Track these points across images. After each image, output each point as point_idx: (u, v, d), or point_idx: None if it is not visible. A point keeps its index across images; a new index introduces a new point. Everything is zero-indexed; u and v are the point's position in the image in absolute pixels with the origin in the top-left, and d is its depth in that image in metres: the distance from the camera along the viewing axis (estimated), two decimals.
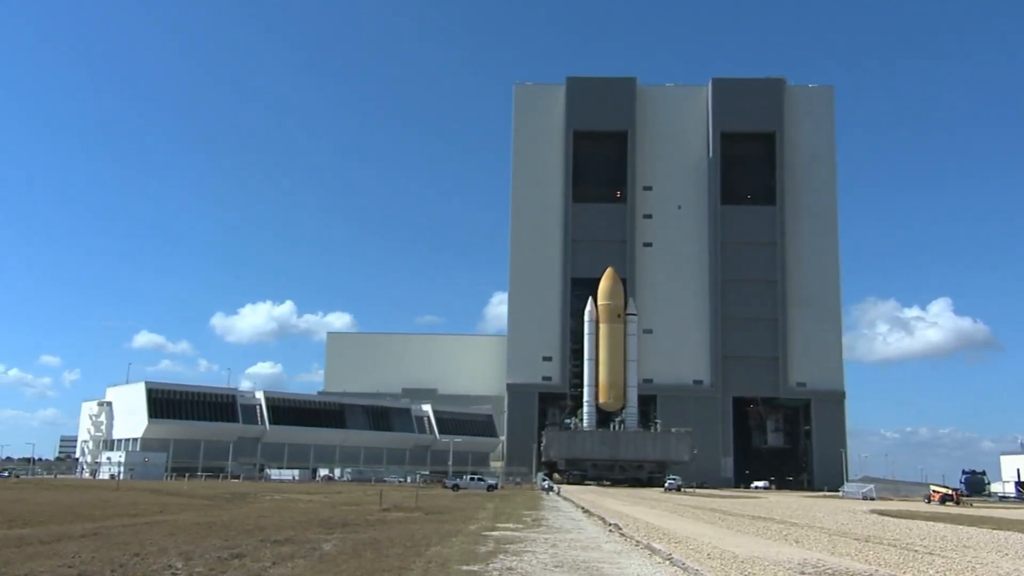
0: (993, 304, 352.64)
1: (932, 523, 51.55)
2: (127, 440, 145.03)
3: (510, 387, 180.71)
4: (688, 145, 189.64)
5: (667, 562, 24.59)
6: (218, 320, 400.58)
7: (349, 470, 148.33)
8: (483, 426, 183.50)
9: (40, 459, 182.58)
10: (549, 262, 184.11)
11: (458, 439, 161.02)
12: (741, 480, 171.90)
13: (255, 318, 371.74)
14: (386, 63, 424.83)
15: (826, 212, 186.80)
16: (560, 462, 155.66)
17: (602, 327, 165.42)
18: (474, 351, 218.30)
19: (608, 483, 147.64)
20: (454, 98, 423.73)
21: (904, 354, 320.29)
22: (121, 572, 20.45)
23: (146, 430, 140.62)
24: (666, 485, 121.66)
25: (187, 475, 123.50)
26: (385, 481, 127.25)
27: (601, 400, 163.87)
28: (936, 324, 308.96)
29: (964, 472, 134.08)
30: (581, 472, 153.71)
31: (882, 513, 65.44)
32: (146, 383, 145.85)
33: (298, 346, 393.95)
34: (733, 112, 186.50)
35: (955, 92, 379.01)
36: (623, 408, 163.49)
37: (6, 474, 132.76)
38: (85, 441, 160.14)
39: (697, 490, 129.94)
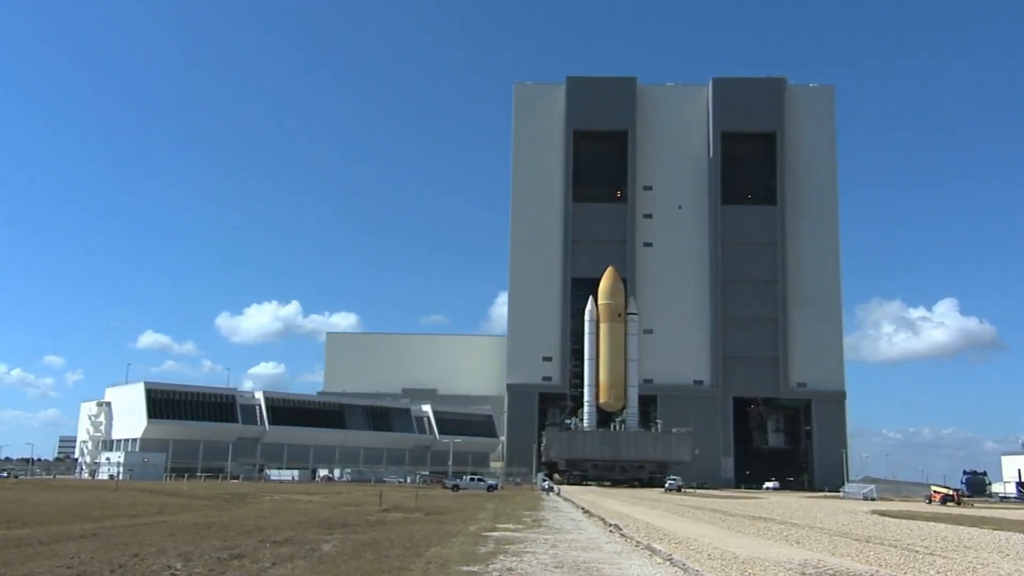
0: (999, 304, 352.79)
1: (933, 524, 51.46)
2: (126, 440, 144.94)
3: (510, 387, 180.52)
4: (688, 145, 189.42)
5: (667, 563, 24.52)
6: (223, 320, 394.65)
7: (349, 470, 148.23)
8: (483, 426, 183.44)
9: (39, 459, 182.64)
10: (549, 262, 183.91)
11: (458, 439, 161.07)
12: (741, 480, 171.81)
13: (260, 318, 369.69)
14: (386, 63, 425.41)
15: (827, 212, 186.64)
16: (560, 462, 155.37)
17: (602, 327, 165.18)
18: (474, 351, 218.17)
19: (608, 483, 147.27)
20: (454, 98, 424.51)
21: (909, 354, 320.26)
22: (120, 573, 20.37)
23: (145, 430, 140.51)
24: (666, 485, 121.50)
25: (186, 475, 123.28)
26: (385, 481, 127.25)
27: (601, 400, 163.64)
28: (942, 324, 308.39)
29: (965, 472, 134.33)
30: (581, 472, 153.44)
31: (883, 514, 65.33)
32: (145, 383, 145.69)
33: (303, 346, 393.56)
34: (733, 112, 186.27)
35: (955, 92, 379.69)
36: (623, 408, 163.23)
37: (5, 474, 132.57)
38: (84, 441, 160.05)
39: (697, 490, 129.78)
